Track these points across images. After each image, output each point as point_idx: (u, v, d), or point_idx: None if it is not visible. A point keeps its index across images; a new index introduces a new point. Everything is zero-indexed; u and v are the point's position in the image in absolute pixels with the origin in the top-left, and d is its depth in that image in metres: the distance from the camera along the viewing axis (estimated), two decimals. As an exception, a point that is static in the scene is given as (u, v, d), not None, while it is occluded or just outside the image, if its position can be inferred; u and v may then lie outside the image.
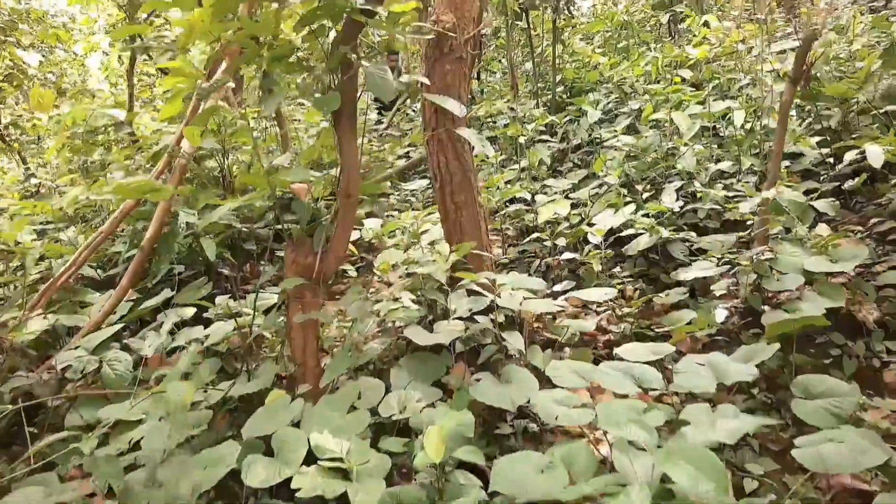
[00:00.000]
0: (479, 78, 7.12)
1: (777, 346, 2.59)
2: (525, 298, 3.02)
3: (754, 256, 3.00)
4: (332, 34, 2.69)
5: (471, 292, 3.08)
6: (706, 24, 6.66)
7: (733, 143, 4.64)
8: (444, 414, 2.36)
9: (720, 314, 3.19)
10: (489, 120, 6.67)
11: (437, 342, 2.73)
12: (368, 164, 5.53)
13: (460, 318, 2.91)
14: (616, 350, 2.82)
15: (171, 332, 3.32)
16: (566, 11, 8.29)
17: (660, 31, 9.03)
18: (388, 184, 5.47)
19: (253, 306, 2.99)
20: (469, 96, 7.68)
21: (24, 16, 8.07)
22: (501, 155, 5.38)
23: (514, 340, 2.80)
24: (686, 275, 3.29)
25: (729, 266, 3.29)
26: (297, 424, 2.37)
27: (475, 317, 2.95)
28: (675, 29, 8.87)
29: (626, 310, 3.45)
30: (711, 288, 3.22)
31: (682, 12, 8.07)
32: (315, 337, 2.83)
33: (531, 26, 6.52)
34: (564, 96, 6.74)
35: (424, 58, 3.38)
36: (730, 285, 3.17)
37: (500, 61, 9.05)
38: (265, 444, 2.35)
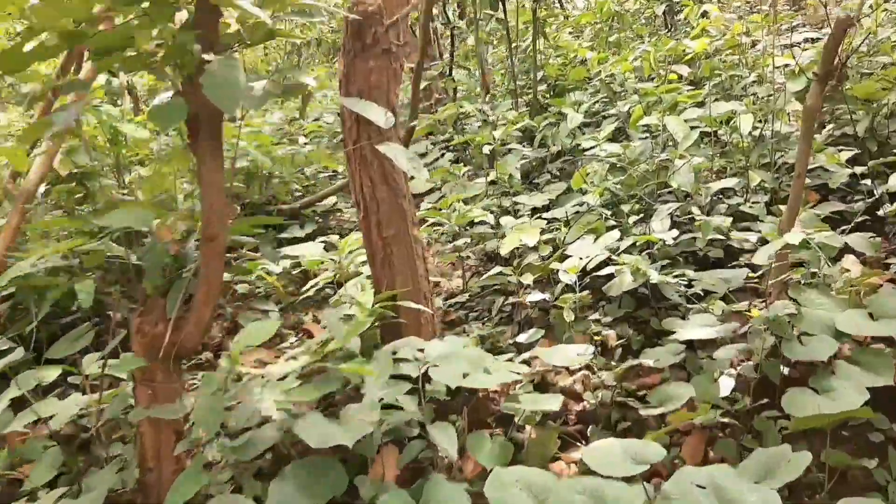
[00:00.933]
0: (451, 75, 6.34)
1: (808, 457, 1.84)
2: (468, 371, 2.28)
3: (772, 315, 2.25)
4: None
5: (397, 360, 2.34)
6: (705, 14, 5.91)
7: (739, 153, 3.88)
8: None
9: (725, 385, 2.46)
10: (463, 121, 5.90)
11: (337, 443, 1.97)
12: (315, 174, 4.78)
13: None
14: (583, 451, 2.07)
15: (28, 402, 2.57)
16: (555, 2, 7.54)
17: (655, 24, 8.26)
18: (335, 198, 4.71)
19: (101, 376, 2.24)
20: (442, 96, 6.94)
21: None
22: (465, 166, 4.62)
23: (446, 440, 2.04)
24: (682, 333, 2.54)
25: (737, 323, 2.54)
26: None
27: (399, 399, 2.20)
28: (671, 21, 8.11)
29: (604, 374, 2.69)
30: (714, 355, 2.47)
31: (678, 2, 7.31)
32: (174, 433, 2.08)
33: (507, 17, 5.74)
34: (547, 96, 5.96)
35: (343, 51, 2.62)
36: (738, 352, 2.42)
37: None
38: None
